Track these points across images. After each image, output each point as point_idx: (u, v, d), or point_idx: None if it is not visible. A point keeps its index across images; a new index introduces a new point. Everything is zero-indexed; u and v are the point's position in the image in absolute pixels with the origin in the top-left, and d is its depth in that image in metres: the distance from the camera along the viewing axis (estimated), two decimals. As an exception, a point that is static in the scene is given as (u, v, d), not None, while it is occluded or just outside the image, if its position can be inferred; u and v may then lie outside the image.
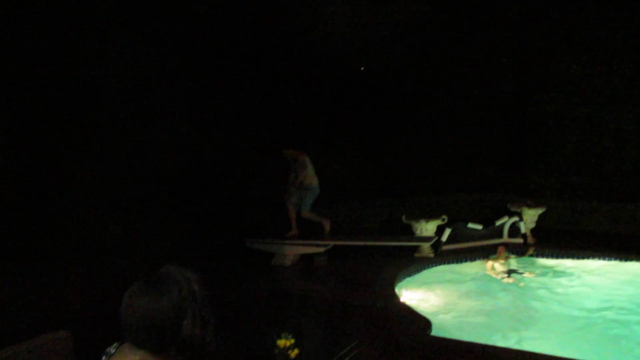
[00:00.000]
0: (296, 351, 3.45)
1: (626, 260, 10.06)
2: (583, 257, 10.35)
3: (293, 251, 10.06)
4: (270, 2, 12.48)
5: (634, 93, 12.54)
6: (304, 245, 10.15)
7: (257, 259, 10.18)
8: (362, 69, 14.13)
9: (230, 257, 10.45)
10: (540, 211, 11.33)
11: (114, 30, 10.62)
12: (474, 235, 10.87)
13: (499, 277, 9.55)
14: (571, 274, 9.78)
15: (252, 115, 12.73)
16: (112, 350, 1.99)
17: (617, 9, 12.65)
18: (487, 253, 10.42)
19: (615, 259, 10.14)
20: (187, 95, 11.71)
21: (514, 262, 10.18)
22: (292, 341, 3.44)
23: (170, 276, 1.94)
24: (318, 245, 10.14)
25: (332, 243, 10.25)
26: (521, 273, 9.64)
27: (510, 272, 9.63)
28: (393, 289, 8.27)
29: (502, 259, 10.08)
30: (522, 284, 9.26)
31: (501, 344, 6.44)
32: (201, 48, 12.13)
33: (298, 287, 8.84)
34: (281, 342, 3.43)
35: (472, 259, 10.39)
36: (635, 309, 8.19)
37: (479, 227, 10.85)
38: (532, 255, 10.55)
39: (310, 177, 10.33)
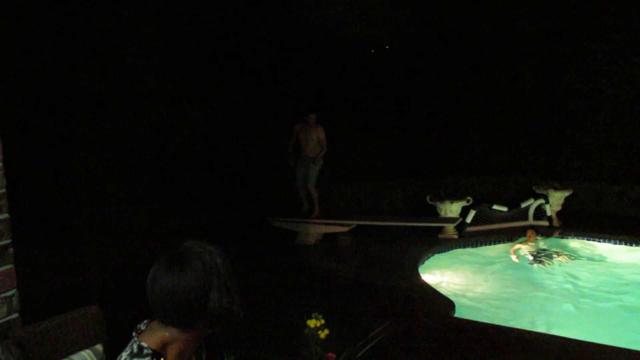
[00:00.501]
0: (326, 331, 3.44)
1: None
2: (609, 241, 10.25)
3: (317, 230, 10.08)
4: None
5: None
6: (327, 224, 10.16)
7: (281, 238, 10.22)
8: (387, 47, 14.03)
9: (253, 236, 10.49)
10: (566, 194, 11.20)
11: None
12: (499, 217, 10.79)
13: (527, 258, 9.49)
14: (598, 258, 9.70)
15: (270, 93, 12.72)
16: (142, 327, 1.99)
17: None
18: (512, 235, 10.37)
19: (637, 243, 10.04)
20: (204, 79, 11.75)
21: (542, 245, 10.09)
22: (323, 322, 3.43)
23: (192, 250, 1.93)
24: (342, 225, 10.15)
25: (356, 223, 10.25)
26: (551, 256, 9.53)
27: (538, 255, 9.55)
28: (417, 270, 8.27)
29: (531, 241, 10.02)
30: (547, 267, 9.18)
31: (524, 326, 6.40)
32: (218, 29, 12.15)
33: (322, 266, 8.87)
34: (311, 323, 3.43)
35: (497, 242, 10.33)
36: None
37: (504, 209, 10.76)
38: (558, 237, 10.46)
39: None
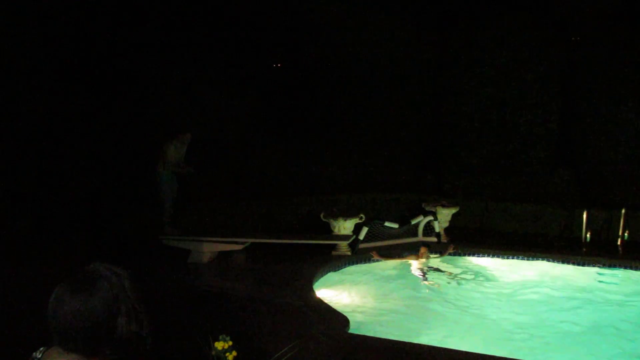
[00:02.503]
0: (234, 353, 3.44)
1: (534, 258, 10.63)
2: (496, 256, 10.89)
3: (210, 248, 9.97)
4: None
5: (543, 98, 13.18)
6: (221, 242, 10.09)
7: (173, 257, 10.01)
8: (279, 65, 14.21)
9: (144, 255, 10.21)
10: (453, 211, 11.74)
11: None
12: (390, 234, 11.12)
13: (417, 273, 9.83)
14: (486, 273, 10.25)
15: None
16: (39, 355, 1.92)
17: (527, 16, 13.29)
18: (405, 251, 10.70)
19: (525, 257, 10.69)
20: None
21: (433, 262, 10.48)
22: (230, 343, 3.42)
23: (98, 273, 1.87)
24: (236, 243, 10.11)
25: (250, 241, 10.24)
26: (438, 271, 9.94)
27: (427, 270, 9.92)
28: (311, 287, 8.37)
29: (421, 256, 10.37)
30: (440, 283, 9.57)
31: (419, 341, 6.62)
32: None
33: (217, 285, 8.79)
34: (219, 345, 3.41)
35: (390, 257, 10.62)
36: (545, 304, 8.74)
37: (396, 225, 11.11)
38: (451, 254, 10.91)
39: None
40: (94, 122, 11.98)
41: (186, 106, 12.62)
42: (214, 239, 10.10)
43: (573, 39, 14.00)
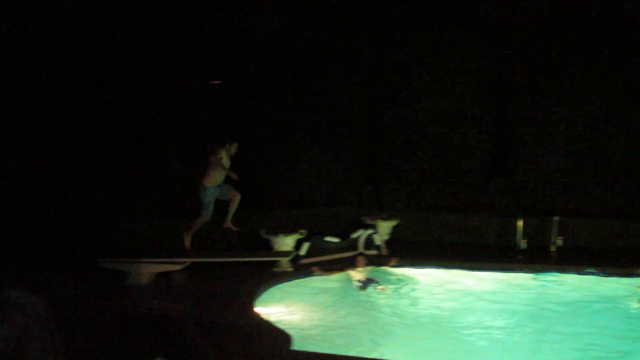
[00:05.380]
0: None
1: (472, 268, 11.02)
2: (435, 266, 11.18)
3: (149, 270, 9.89)
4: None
5: (477, 110, 13.63)
6: (160, 263, 10.02)
7: (110, 279, 9.86)
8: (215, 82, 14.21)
9: (79, 278, 10.01)
10: (393, 223, 12.00)
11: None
12: (331, 248, 11.26)
13: (358, 287, 9.98)
14: (426, 283, 10.51)
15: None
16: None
17: (461, 30, 13.75)
18: (345, 265, 10.85)
19: (463, 267, 11.04)
20: None
21: (373, 273, 10.66)
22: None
23: (11, 301, 1.81)
24: (175, 263, 10.06)
25: (189, 260, 10.21)
26: (380, 284, 10.12)
27: (368, 283, 10.08)
28: (253, 305, 8.41)
29: (361, 269, 10.53)
30: (381, 294, 9.76)
31: (363, 354, 6.76)
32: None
33: (157, 307, 8.73)
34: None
35: (331, 271, 10.75)
36: (484, 312, 9.08)
37: (336, 240, 11.28)
38: (392, 266, 11.15)
39: None
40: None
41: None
42: (153, 259, 10.01)
43: (506, 51, 14.51)
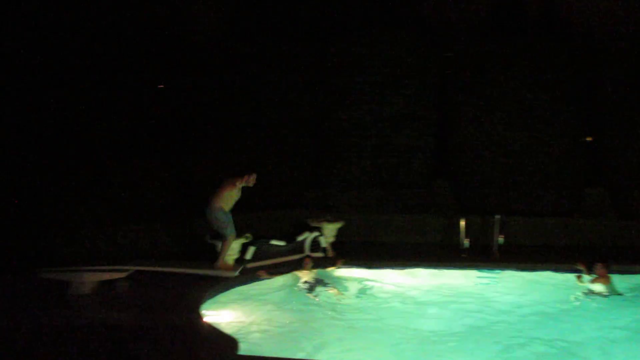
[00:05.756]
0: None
1: (417, 267, 11.31)
2: (381, 267, 11.33)
3: (92, 278, 9.68)
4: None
5: (420, 112, 13.86)
6: (102, 271, 9.83)
7: (51, 289, 9.63)
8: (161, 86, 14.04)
9: (18, 288, 9.75)
10: (339, 225, 12.08)
11: None
12: (277, 252, 11.27)
13: (305, 289, 10.01)
14: (372, 284, 10.65)
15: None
16: None
17: (403, 33, 13.97)
18: (291, 268, 10.86)
19: (408, 267, 11.27)
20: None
21: (319, 275, 10.70)
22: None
23: None
24: (119, 271, 9.89)
25: (133, 269, 10.05)
26: (327, 285, 10.17)
27: (316, 285, 10.12)
28: (198, 311, 8.35)
29: (308, 271, 10.56)
30: (328, 296, 9.82)
31: (311, 356, 6.79)
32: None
33: (99, 316, 8.57)
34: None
35: (277, 275, 10.74)
36: (430, 310, 9.34)
37: (282, 243, 11.30)
38: (338, 268, 11.24)
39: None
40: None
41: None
42: (95, 268, 9.82)
43: (448, 53, 14.81)
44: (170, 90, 14.06)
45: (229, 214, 10.33)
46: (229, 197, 10.29)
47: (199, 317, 8.09)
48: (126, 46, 12.99)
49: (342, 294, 9.97)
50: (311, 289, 10.04)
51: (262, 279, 10.48)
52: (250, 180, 10.35)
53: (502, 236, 12.04)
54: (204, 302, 9.08)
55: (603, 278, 9.78)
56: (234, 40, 14.25)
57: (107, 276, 9.80)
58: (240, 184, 10.25)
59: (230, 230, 10.25)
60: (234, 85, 14.18)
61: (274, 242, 11.24)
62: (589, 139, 15.11)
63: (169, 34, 13.65)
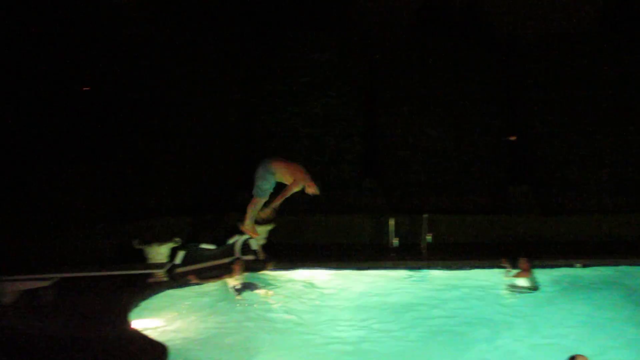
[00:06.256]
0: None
1: (347, 267, 11.43)
2: (312, 268, 11.47)
3: (13, 288, 9.37)
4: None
5: (347, 114, 14.03)
6: (24, 280, 9.52)
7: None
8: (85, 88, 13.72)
9: None
10: (269, 227, 12.10)
11: None
12: (208, 256, 11.19)
13: (236, 293, 9.99)
14: (303, 286, 10.74)
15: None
16: None
17: (329, 36, 14.12)
18: (222, 272, 10.81)
19: (339, 267, 11.40)
20: None
21: (251, 278, 10.69)
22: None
23: None
24: (43, 279, 9.61)
25: (58, 276, 9.79)
26: (258, 288, 10.18)
27: (247, 288, 10.12)
28: (127, 318, 8.23)
29: (238, 275, 10.53)
30: (260, 299, 9.83)
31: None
32: None
33: (23, 327, 8.32)
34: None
35: (208, 279, 10.68)
36: (362, 309, 9.49)
37: (212, 247, 11.23)
38: (269, 270, 11.28)
39: None
40: None
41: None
42: (15, 277, 9.50)
43: (375, 55, 15.04)
44: (96, 92, 13.76)
45: (272, 188, 9.45)
46: (290, 183, 9.34)
47: (128, 324, 7.98)
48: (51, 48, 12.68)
49: (271, 293, 9.98)
50: (242, 292, 10.03)
51: (193, 284, 10.40)
52: (310, 188, 9.46)
53: (430, 234, 12.31)
54: (134, 308, 8.96)
55: (526, 272, 10.21)
56: (162, 43, 14.06)
57: (29, 285, 9.51)
58: (305, 186, 9.41)
59: (261, 193, 9.37)
60: (163, 89, 13.99)
61: (204, 245, 11.16)
62: (512, 137, 15.64)
63: (95, 36, 13.36)
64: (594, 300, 9.70)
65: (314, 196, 9.55)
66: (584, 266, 11.59)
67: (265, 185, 9.26)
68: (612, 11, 16.62)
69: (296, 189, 9.29)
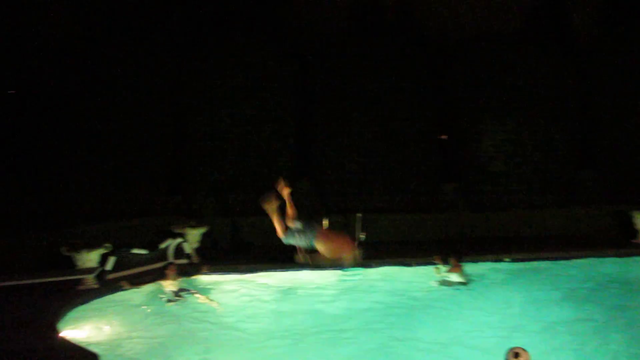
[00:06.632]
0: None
1: (283, 269, 11.50)
2: (247, 271, 11.39)
3: None
4: None
5: (279, 114, 14.08)
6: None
7: None
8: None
9: None
10: (202, 230, 12.03)
11: None
12: (140, 261, 11.03)
13: (170, 297, 9.87)
14: (238, 289, 10.68)
15: None
16: None
17: (260, 37, 14.12)
18: (155, 277, 10.67)
19: (274, 269, 11.49)
20: None
21: (185, 282, 10.58)
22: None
23: None
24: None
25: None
26: (193, 292, 10.08)
27: (181, 292, 10.01)
28: (56, 327, 8.03)
29: (172, 279, 10.40)
30: (195, 304, 9.74)
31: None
32: None
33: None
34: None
35: (141, 284, 10.52)
36: (297, 311, 9.54)
37: (144, 251, 11.08)
38: (204, 274, 11.17)
39: None
40: None
41: None
42: None
43: (308, 56, 15.12)
44: (20, 94, 13.41)
45: (297, 228, 8.77)
46: (331, 255, 8.79)
47: (58, 333, 7.79)
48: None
49: (213, 302, 9.91)
50: (176, 296, 9.92)
51: (125, 290, 10.23)
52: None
53: (364, 233, 12.45)
54: (63, 317, 8.75)
55: (457, 268, 10.50)
56: (89, 43, 13.78)
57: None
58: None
59: (291, 241, 8.91)
60: (89, 90, 13.72)
61: (136, 250, 11.00)
62: (443, 137, 15.99)
63: (18, 36, 13.00)
64: (524, 292, 10.07)
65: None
66: (513, 260, 12.00)
67: (300, 242, 8.84)
68: (538, 11, 17.15)
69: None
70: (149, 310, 9.56)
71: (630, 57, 15.32)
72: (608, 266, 11.67)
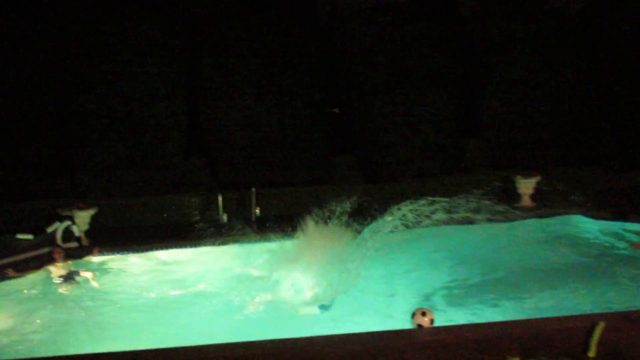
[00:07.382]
0: None
1: (176, 247, 11.55)
2: (139, 251, 11.30)
3: None
4: None
5: (170, 90, 13.90)
6: None
7: None
8: None
9: None
10: (92, 212, 11.75)
11: None
12: (25, 246, 10.65)
13: (60, 282, 9.64)
14: (132, 269, 10.65)
15: None
16: None
17: (147, 9, 13.80)
18: (43, 262, 10.35)
19: (165, 247, 11.51)
20: None
21: (75, 266, 10.35)
22: None
23: None
24: None
25: None
26: (84, 275, 9.89)
27: (71, 276, 9.79)
28: None
29: (61, 263, 10.13)
30: (87, 287, 9.57)
31: (80, 351, 6.63)
32: None
33: None
34: None
35: (28, 271, 10.17)
36: (195, 290, 9.70)
37: (30, 236, 10.72)
38: (95, 256, 10.97)
39: None
40: None
41: None
42: None
43: (197, 30, 14.93)
44: None
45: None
46: None
47: None
48: None
49: (96, 281, 9.75)
50: (67, 281, 9.69)
51: (10, 278, 9.86)
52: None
53: (258, 208, 12.56)
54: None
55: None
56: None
57: None
58: None
59: None
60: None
61: (21, 236, 10.62)
62: (335, 110, 16.25)
63: None
64: (415, 256, 10.52)
65: None
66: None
67: None
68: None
69: None
70: (38, 297, 9.30)
71: (509, 27, 16.10)
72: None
